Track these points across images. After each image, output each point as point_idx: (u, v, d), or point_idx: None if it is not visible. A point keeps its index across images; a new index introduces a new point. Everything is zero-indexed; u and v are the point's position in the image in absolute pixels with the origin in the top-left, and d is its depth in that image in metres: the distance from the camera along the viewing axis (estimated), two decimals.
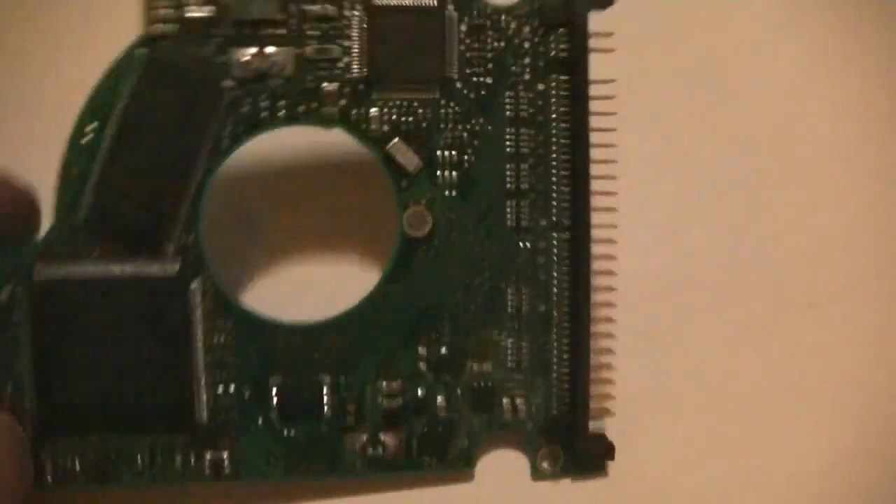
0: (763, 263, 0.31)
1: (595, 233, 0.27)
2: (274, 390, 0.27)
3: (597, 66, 0.27)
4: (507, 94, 0.27)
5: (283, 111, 0.26)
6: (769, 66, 0.32)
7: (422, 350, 0.28)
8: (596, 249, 0.28)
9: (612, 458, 0.28)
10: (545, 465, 0.29)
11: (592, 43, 0.27)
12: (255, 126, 0.26)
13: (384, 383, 0.27)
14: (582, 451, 0.28)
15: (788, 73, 0.32)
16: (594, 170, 0.27)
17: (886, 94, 0.32)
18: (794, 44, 0.32)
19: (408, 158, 0.27)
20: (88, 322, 0.26)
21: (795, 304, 0.31)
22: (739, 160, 0.31)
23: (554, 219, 0.28)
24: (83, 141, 0.26)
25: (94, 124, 0.26)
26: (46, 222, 0.26)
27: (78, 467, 0.27)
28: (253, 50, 0.26)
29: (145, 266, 0.26)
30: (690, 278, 0.31)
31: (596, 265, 0.28)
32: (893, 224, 0.32)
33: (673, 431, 0.30)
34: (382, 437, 0.28)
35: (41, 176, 0.26)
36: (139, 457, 0.27)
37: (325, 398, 0.27)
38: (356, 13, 0.26)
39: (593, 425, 0.28)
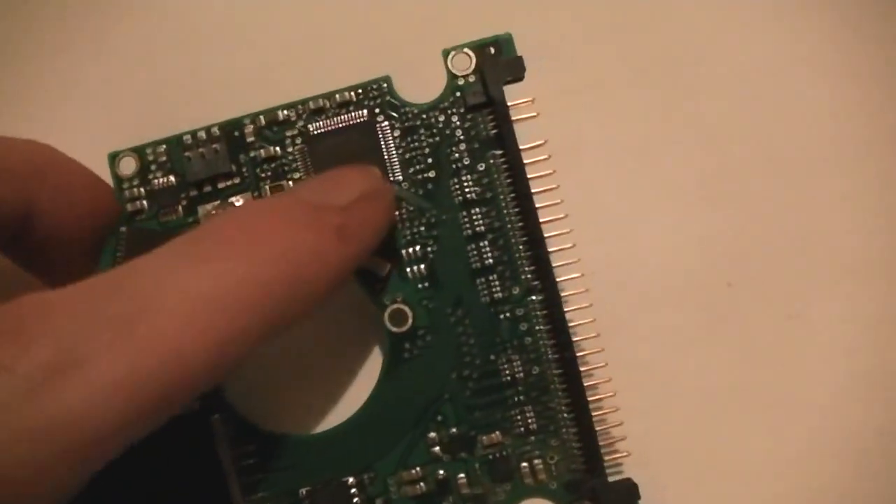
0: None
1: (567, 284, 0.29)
2: (306, 501, 0.29)
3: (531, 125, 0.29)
4: (452, 181, 0.29)
5: None
6: (720, 61, 0.33)
7: (432, 434, 0.29)
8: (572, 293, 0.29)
9: (639, 496, 0.29)
10: None
11: (516, 112, 0.29)
12: None
13: (404, 473, 0.29)
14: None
15: (742, 67, 0.33)
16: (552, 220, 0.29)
17: (847, 85, 0.33)
18: (744, 37, 0.33)
19: (375, 264, 0.29)
20: (132, 475, 0.28)
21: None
22: (686, 157, 0.33)
23: (525, 284, 0.29)
24: None
25: None
26: None
27: None
28: (216, 202, 0.29)
29: None
30: (649, 272, 0.32)
31: (575, 315, 0.29)
32: (853, 218, 0.32)
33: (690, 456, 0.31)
34: None
35: None
36: None
37: (354, 498, 0.29)
38: (297, 146, 0.29)
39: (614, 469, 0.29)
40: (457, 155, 0.29)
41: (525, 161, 0.29)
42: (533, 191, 0.29)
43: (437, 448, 0.29)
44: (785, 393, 0.32)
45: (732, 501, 0.31)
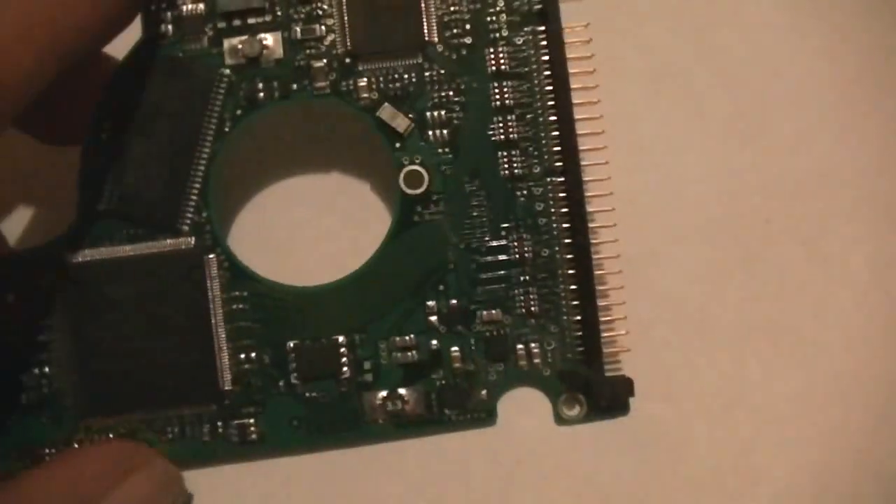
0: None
1: (589, 170, 0.28)
2: (292, 354, 0.28)
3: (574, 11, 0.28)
4: (488, 50, 0.29)
5: (277, 91, 0.28)
6: None
7: (431, 303, 0.28)
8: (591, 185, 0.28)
9: (632, 394, 0.28)
10: (567, 410, 0.28)
11: None
12: (252, 107, 0.28)
13: (397, 339, 0.28)
14: (602, 397, 0.28)
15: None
16: (581, 112, 0.28)
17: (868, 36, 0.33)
18: None
19: (398, 121, 0.28)
20: (116, 303, 0.28)
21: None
22: (726, 92, 0.32)
23: (547, 164, 0.28)
24: (101, 137, 0.28)
25: (108, 123, 0.28)
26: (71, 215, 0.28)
27: None
28: (244, 38, 0.28)
29: (163, 244, 0.28)
30: (684, 204, 0.31)
31: (593, 203, 0.28)
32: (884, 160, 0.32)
33: (685, 359, 0.30)
34: (401, 392, 0.28)
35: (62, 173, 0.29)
36: (169, 429, 0.28)
37: (342, 358, 0.28)
38: None
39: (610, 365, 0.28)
40: (496, 24, 0.29)
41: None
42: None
43: (434, 318, 0.28)
44: (814, 332, 0.31)
45: (757, 436, 0.30)
